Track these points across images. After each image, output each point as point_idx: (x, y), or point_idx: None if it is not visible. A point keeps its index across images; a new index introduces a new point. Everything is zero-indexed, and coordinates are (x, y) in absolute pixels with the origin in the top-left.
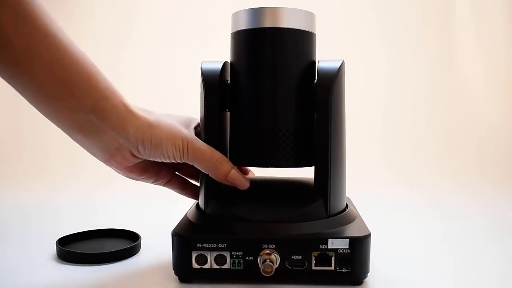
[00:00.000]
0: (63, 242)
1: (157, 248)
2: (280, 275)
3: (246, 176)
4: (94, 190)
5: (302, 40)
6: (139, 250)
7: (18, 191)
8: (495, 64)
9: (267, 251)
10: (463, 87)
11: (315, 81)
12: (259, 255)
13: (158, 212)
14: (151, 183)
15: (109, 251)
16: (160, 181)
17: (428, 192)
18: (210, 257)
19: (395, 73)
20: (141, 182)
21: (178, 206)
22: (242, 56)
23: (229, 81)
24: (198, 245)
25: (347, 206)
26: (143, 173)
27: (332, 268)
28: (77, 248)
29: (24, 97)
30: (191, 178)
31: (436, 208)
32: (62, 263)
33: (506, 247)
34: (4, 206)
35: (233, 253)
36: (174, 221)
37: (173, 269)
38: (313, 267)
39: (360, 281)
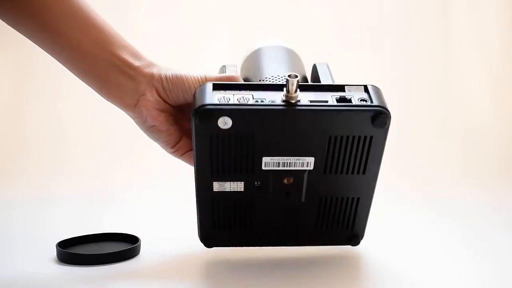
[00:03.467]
0: (62, 246)
1: (157, 250)
2: (302, 108)
3: None
4: (94, 192)
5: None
6: (139, 252)
7: (18, 193)
8: (495, 65)
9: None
10: (463, 88)
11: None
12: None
13: (158, 216)
14: (170, 149)
15: (108, 252)
16: (178, 150)
17: (427, 193)
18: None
19: (395, 74)
20: (161, 146)
21: (178, 210)
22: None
23: None
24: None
25: None
26: (168, 124)
27: (353, 103)
28: (77, 251)
29: (64, 62)
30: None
31: (432, 207)
32: (62, 265)
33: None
34: (4, 208)
35: (256, 98)
36: (174, 226)
37: (193, 111)
38: (335, 103)
39: (384, 112)
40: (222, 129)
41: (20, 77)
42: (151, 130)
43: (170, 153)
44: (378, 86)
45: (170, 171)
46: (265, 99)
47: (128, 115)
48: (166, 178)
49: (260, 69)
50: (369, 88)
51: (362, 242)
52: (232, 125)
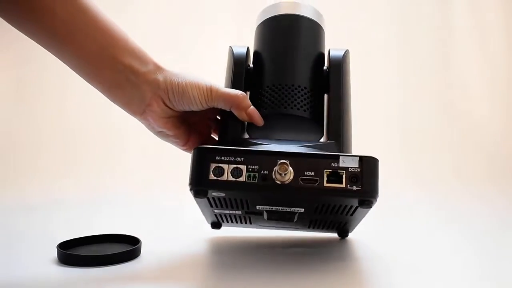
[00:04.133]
0: (63, 247)
1: (158, 252)
2: (293, 191)
3: None
4: (94, 195)
5: (316, 30)
6: (139, 253)
7: (17, 195)
8: (495, 65)
9: (283, 165)
10: (463, 88)
11: (325, 67)
12: (275, 166)
13: (159, 218)
14: (181, 146)
15: (109, 253)
16: (189, 146)
17: (425, 194)
18: (227, 169)
19: (394, 75)
20: (172, 144)
21: (179, 212)
22: (266, 40)
23: (251, 66)
24: (217, 157)
25: None
26: (175, 128)
27: (343, 185)
28: (78, 252)
29: (69, 65)
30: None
31: (431, 209)
32: (63, 266)
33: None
34: (4, 209)
35: (249, 166)
36: (175, 228)
37: (189, 184)
38: (325, 184)
39: (370, 200)
40: (217, 195)
41: (22, 78)
42: (159, 134)
43: (182, 150)
44: (375, 157)
45: (170, 172)
46: (258, 170)
47: (136, 119)
48: (167, 179)
49: (270, 64)
50: (364, 162)
51: (358, 246)
52: (225, 195)
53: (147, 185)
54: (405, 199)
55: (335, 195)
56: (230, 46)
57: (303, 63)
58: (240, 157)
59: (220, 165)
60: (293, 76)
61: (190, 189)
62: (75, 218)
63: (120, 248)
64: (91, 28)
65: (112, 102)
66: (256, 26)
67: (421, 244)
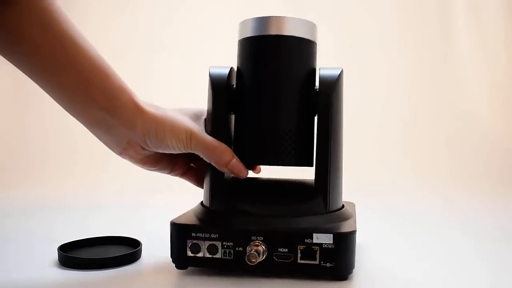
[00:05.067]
0: (64, 249)
1: (158, 254)
2: (267, 267)
3: (254, 171)
4: (94, 196)
5: (304, 48)
6: (140, 256)
7: (17, 197)
8: (495, 66)
9: (256, 243)
10: (463, 89)
11: (316, 87)
12: (248, 246)
13: (159, 220)
14: (167, 174)
15: (109, 256)
16: (176, 172)
17: (425, 195)
18: (203, 246)
19: (393, 76)
20: (158, 173)
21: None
22: (248, 62)
23: (235, 86)
24: (193, 234)
25: (343, 206)
26: (157, 164)
27: (317, 262)
28: (79, 255)
29: (49, 94)
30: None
31: (430, 212)
32: (63, 269)
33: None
34: (5, 212)
35: (224, 243)
36: None
37: (171, 257)
38: (299, 261)
39: (344, 277)
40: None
41: (24, 83)
42: (144, 168)
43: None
44: (351, 232)
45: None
46: (232, 247)
47: None
48: (167, 181)
49: (252, 100)
50: (338, 238)
51: None
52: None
53: (147, 187)
54: (405, 199)
55: (308, 272)
56: (209, 68)
57: (289, 100)
58: (215, 234)
59: (196, 241)
60: (277, 119)
61: (172, 260)
62: (76, 220)
63: (120, 250)
64: (68, 63)
65: None
66: (239, 39)
67: (421, 244)
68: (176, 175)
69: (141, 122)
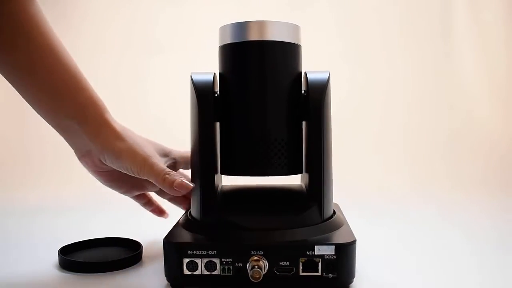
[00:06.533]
0: (64, 251)
1: (158, 257)
2: (268, 281)
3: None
4: (94, 198)
5: (288, 52)
6: (141, 259)
7: (17, 198)
8: (495, 66)
9: (256, 258)
10: (463, 89)
11: (303, 91)
12: (248, 262)
13: (159, 221)
14: (120, 192)
15: (110, 260)
16: (128, 194)
17: (424, 197)
18: (201, 263)
19: (393, 76)
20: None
21: (179, 216)
22: (231, 69)
23: (218, 93)
24: (189, 252)
25: (334, 212)
26: (110, 181)
27: (319, 273)
28: (79, 257)
29: (24, 98)
30: (163, 196)
31: (427, 215)
32: (64, 272)
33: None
34: (5, 214)
35: (223, 259)
36: None
37: (165, 276)
38: (300, 273)
39: (346, 286)
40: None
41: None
42: (98, 180)
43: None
44: (351, 241)
45: None
46: (232, 263)
47: None
48: None
49: (238, 109)
50: (340, 249)
51: None
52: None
53: None
54: (404, 199)
55: (311, 284)
56: (191, 74)
57: (278, 108)
58: (212, 250)
59: (193, 259)
60: (268, 128)
61: (167, 280)
62: (77, 222)
63: (121, 252)
64: (44, 71)
65: (115, 108)
66: (220, 45)
67: (420, 245)
68: (127, 195)
69: (103, 135)
